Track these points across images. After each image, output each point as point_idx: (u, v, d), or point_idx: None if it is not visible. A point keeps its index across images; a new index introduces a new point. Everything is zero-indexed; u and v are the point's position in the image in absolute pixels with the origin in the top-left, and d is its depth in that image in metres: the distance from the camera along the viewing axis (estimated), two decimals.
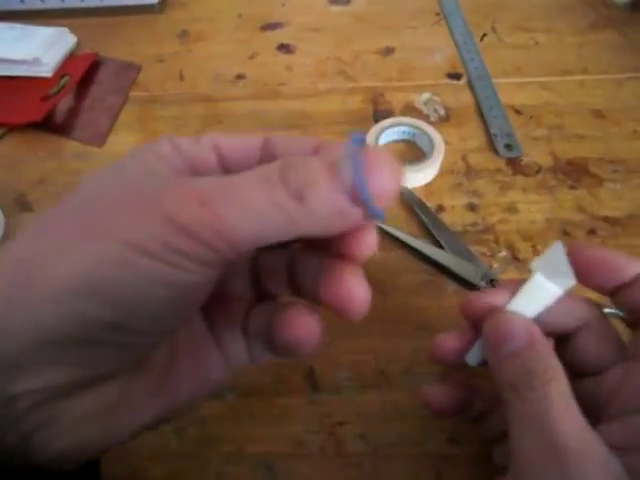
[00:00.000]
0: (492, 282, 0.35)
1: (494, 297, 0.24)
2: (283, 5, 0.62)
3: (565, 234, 0.39)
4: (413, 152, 0.45)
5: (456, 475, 0.29)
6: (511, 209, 0.41)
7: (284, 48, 0.57)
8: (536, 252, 0.38)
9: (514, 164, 0.44)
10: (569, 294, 0.23)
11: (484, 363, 0.24)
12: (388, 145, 0.46)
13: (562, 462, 0.19)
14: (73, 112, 0.50)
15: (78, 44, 0.57)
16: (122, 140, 0.48)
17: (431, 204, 0.41)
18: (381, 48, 0.56)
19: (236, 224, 0.16)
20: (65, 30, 0.56)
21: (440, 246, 0.37)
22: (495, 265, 0.37)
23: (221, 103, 0.51)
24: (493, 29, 0.58)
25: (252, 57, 0.56)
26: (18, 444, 0.18)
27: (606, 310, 0.25)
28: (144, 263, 0.16)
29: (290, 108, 0.50)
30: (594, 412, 0.22)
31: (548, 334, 0.23)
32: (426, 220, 0.39)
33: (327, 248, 0.21)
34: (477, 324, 0.24)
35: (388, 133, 0.45)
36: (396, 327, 0.34)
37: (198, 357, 0.23)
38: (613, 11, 0.59)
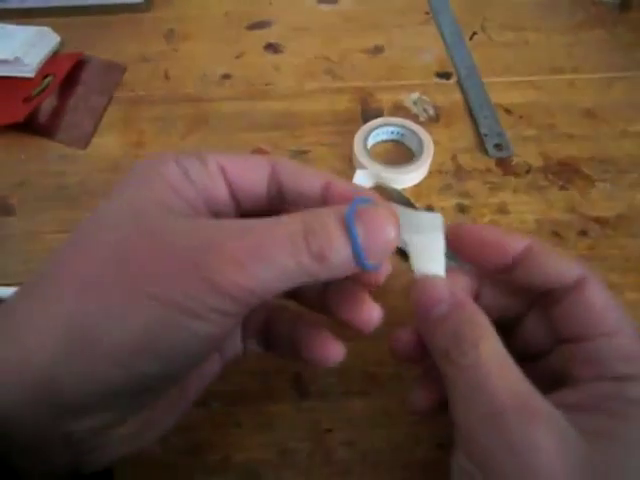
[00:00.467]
0: None
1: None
2: (270, 4, 0.62)
3: (556, 235, 0.38)
4: (402, 152, 0.45)
5: None
6: (501, 210, 0.40)
7: (271, 47, 0.56)
8: None
9: (504, 164, 0.43)
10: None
11: None
12: (377, 145, 0.45)
13: (503, 425, 0.19)
14: (56, 113, 0.49)
15: (62, 43, 0.56)
16: (106, 142, 0.47)
17: (420, 205, 0.40)
18: (370, 47, 0.55)
19: (267, 283, 0.19)
20: (48, 29, 0.55)
21: None
22: None
23: (207, 103, 0.50)
24: (483, 28, 0.57)
25: (239, 56, 0.55)
26: (66, 465, 0.21)
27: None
28: (189, 323, 0.18)
29: (277, 108, 0.49)
30: (561, 381, 0.22)
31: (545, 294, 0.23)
32: None
33: None
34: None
35: (377, 133, 0.44)
36: (385, 330, 0.33)
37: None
38: (602, 10, 0.58)
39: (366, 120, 0.46)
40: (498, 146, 0.44)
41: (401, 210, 0.24)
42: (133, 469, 0.29)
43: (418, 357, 0.25)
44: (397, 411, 0.31)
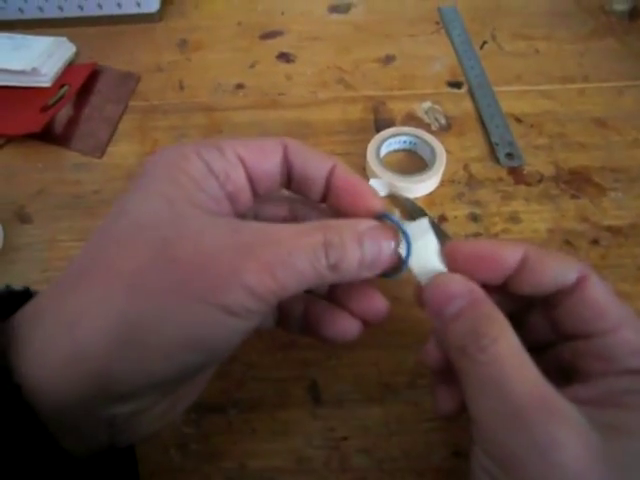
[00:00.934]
0: None
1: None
2: (282, 13, 0.62)
3: (568, 244, 0.39)
4: (415, 162, 0.45)
5: None
6: (514, 219, 0.40)
7: (284, 57, 0.56)
8: None
9: (516, 173, 0.44)
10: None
11: None
12: (390, 154, 0.45)
13: (525, 423, 0.19)
14: (72, 122, 0.50)
15: (77, 53, 0.57)
16: (122, 150, 0.48)
17: (433, 214, 0.41)
18: (381, 57, 0.56)
19: (289, 286, 0.21)
20: (64, 39, 0.56)
21: None
22: None
23: (221, 113, 0.50)
24: (493, 37, 0.58)
25: (252, 66, 0.56)
26: (106, 440, 0.22)
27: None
28: (230, 321, 0.21)
29: (290, 118, 0.49)
30: (569, 374, 0.23)
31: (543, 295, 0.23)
32: None
33: None
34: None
35: (390, 142, 0.45)
36: (399, 339, 0.34)
37: None
38: (612, 19, 0.59)
39: (379, 129, 0.46)
40: (509, 155, 0.45)
41: None
42: (152, 476, 0.29)
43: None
44: (412, 419, 0.31)
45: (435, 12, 0.61)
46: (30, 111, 0.49)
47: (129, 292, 0.20)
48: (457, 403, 0.24)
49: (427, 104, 0.50)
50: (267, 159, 0.24)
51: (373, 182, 0.41)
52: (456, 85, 0.52)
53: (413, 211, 0.40)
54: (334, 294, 0.28)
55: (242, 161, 0.24)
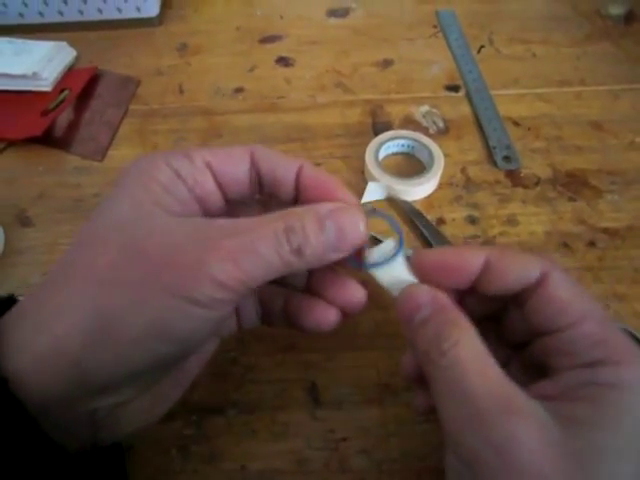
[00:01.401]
0: None
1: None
2: (281, 18, 0.63)
3: (565, 246, 0.39)
4: (413, 165, 0.45)
5: None
6: (511, 221, 0.41)
7: (283, 61, 0.57)
8: None
9: (513, 176, 0.44)
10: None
11: None
12: (388, 158, 0.46)
13: (485, 423, 0.19)
14: (73, 126, 0.50)
15: (77, 58, 0.57)
16: (122, 154, 0.48)
17: (431, 217, 0.41)
18: (379, 60, 0.56)
19: (256, 274, 0.22)
20: (64, 44, 0.56)
21: None
22: None
23: (221, 116, 0.51)
24: (490, 41, 0.58)
25: (251, 70, 0.56)
26: (89, 437, 0.23)
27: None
28: (196, 311, 0.21)
29: (289, 121, 0.50)
30: (544, 369, 0.23)
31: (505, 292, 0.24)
32: (427, 233, 0.39)
33: None
34: None
35: (388, 146, 0.45)
36: (398, 341, 0.34)
37: None
38: (608, 23, 0.59)
39: (377, 133, 0.47)
40: (507, 158, 0.45)
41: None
42: (152, 478, 0.29)
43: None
44: (411, 420, 0.31)
45: (433, 16, 0.62)
46: (31, 115, 0.49)
47: (101, 286, 0.21)
48: (432, 404, 0.25)
49: (425, 107, 0.50)
50: (234, 164, 0.26)
51: (371, 185, 0.42)
52: (454, 89, 0.53)
53: (411, 214, 0.40)
54: (312, 286, 0.28)
55: (210, 167, 0.25)
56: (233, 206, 0.28)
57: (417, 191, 0.42)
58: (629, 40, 0.57)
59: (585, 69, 0.54)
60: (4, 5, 0.58)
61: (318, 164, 0.46)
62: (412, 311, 0.23)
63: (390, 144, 0.45)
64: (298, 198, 0.27)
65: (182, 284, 0.21)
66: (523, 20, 0.61)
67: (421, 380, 0.25)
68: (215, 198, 0.26)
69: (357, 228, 0.24)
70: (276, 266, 0.22)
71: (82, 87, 0.53)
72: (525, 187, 0.43)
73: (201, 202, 0.26)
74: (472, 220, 0.41)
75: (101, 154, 0.48)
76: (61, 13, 0.60)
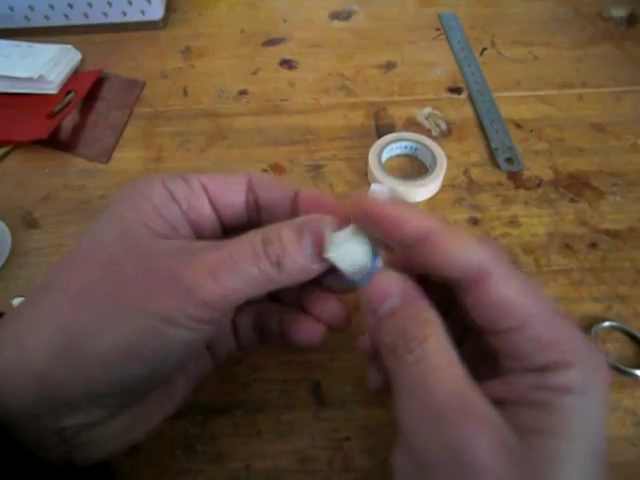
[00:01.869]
0: None
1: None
2: (285, 21, 0.63)
3: (567, 247, 0.39)
4: (415, 167, 0.46)
5: None
6: (513, 223, 0.41)
7: (286, 64, 0.57)
8: (538, 265, 0.38)
9: (515, 178, 0.44)
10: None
11: None
12: (391, 160, 0.46)
13: (441, 424, 0.19)
14: (78, 128, 0.51)
15: (83, 61, 0.58)
16: (127, 156, 0.48)
17: None
18: (382, 63, 0.57)
19: (236, 289, 0.21)
20: (70, 47, 0.57)
21: None
22: None
23: (224, 118, 0.51)
24: (492, 43, 0.58)
25: (255, 73, 0.56)
26: (62, 457, 0.22)
27: None
28: (171, 331, 0.21)
29: (293, 124, 0.50)
30: (493, 366, 0.22)
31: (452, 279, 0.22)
32: None
33: None
34: None
35: (391, 148, 0.45)
36: None
37: (192, 362, 0.27)
38: (610, 25, 0.60)
39: (380, 135, 0.47)
40: (509, 160, 0.45)
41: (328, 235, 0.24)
42: (158, 477, 0.30)
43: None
44: None
45: (435, 19, 0.62)
46: (37, 118, 0.50)
47: (73, 303, 0.21)
48: (384, 383, 0.25)
49: (428, 110, 0.51)
50: (231, 189, 0.26)
51: (375, 187, 0.42)
52: (456, 91, 0.53)
53: None
54: (302, 302, 0.28)
55: (206, 191, 0.25)
56: (230, 234, 0.26)
57: (420, 193, 0.42)
58: (631, 42, 0.57)
59: (587, 71, 0.54)
60: (10, 9, 0.59)
61: (321, 166, 0.46)
62: (379, 299, 0.22)
63: (393, 146, 0.45)
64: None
65: (155, 301, 0.21)
66: (525, 23, 0.61)
67: (377, 358, 0.24)
68: (210, 223, 0.26)
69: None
70: (256, 280, 0.22)
71: (87, 90, 0.53)
72: (527, 189, 0.43)
73: (195, 226, 0.25)
74: (474, 221, 0.41)
75: (106, 156, 0.48)
76: (67, 16, 0.60)
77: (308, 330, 0.27)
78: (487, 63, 0.56)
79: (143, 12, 0.61)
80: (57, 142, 0.49)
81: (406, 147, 0.46)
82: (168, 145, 0.49)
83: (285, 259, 0.22)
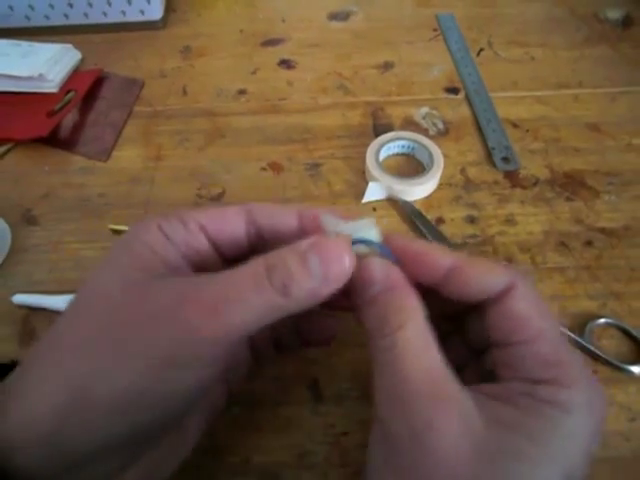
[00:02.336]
0: None
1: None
2: (283, 21, 0.64)
3: (562, 245, 0.40)
4: (413, 165, 0.46)
5: None
6: (509, 221, 0.41)
7: (285, 63, 0.58)
8: (534, 263, 0.39)
9: (512, 177, 0.45)
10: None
11: None
12: (388, 158, 0.47)
13: (410, 407, 0.19)
14: (78, 127, 0.51)
15: (82, 60, 0.58)
16: (126, 154, 0.49)
17: (431, 217, 0.42)
18: (380, 63, 0.57)
19: (240, 323, 0.20)
20: (70, 46, 0.57)
21: None
22: None
23: (223, 118, 0.52)
24: (489, 44, 0.59)
25: (254, 72, 0.57)
26: None
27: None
28: (173, 373, 0.20)
29: (291, 123, 0.51)
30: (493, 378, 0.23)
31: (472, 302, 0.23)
32: (426, 232, 0.40)
33: None
34: None
35: (389, 147, 0.46)
36: None
37: (206, 394, 0.26)
38: (606, 27, 0.60)
39: (377, 134, 0.47)
40: (506, 159, 0.46)
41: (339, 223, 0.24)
42: None
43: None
44: None
45: (433, 19, 0.63)
46: (37, 116, 0.50)
47: (73, 357, 0.21)
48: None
49: (425, 109, 0.51)
50: (229, 224, 0.25)
51: (372, 185, 0.42)
52: (453, 91, 0.53)
53: (411, 214, 0.41)
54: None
55: (204, 229, 0.25)
56: (233, 264, 0.26)
57: (417, 191, 0.43)
58: (626, 43, 0.58)
59: (583, 72, 0.54)
60: (10, 8, 0.59)
61: (320, 164, 0.46)
62: (364, 285, 0.22)
63: (391, 145, 0.46)
64: None
65: (155, 347, 0.20)
66: (521, 24, 0.61)
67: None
68: (211, 260, 0.26)
69: (342, 257, 0.21)
70: (261, 310, 0.20)
71: (87, 89, 0.53)
72: (523, 187, 0.44)
73: (195, 264, 0.25)
74: (471, 220, 0.41)
75: (106, 155, 0.48)
76: (66, 16, 0.60)
77: (324, 326, 0.27)
78: (484, 63, 0.56)
79: (142, 12, 0.61)
80: (57, 140, 0.49)
81: (403, 146, 0.46)
82: (167, 144, 0.49)
83: (291, 284, 0.20)
